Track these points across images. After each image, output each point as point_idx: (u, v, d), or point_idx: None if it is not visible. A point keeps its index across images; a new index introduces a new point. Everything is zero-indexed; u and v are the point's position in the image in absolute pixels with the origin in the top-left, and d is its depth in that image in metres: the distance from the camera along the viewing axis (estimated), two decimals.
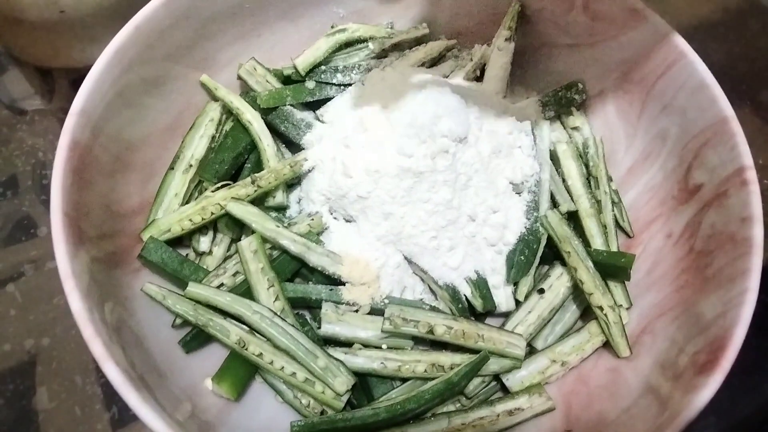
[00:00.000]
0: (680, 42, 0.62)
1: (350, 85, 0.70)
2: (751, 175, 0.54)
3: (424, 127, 0.59)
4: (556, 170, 0.69)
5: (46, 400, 0.66)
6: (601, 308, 0.60)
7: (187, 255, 0.65)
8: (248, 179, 0.64)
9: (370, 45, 0.72)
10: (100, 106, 0.57)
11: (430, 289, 0.64)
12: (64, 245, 0.49)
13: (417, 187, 0.60)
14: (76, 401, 0.66)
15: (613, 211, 0.66)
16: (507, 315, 0.64)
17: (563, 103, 0.72)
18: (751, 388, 0.70)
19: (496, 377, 0.60)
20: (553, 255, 0.65)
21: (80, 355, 0.68)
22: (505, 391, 0.60)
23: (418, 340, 0.61)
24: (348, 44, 0.73)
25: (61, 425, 0.65)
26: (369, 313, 0.61)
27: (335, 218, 0.65)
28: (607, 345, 0.61)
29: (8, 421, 0.64)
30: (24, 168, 0.79)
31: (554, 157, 0.69)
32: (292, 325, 0.58)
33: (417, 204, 0.60)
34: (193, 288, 0.58)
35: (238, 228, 0.64)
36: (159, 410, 0.45)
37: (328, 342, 0.60)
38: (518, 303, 0.63)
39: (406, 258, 0.62)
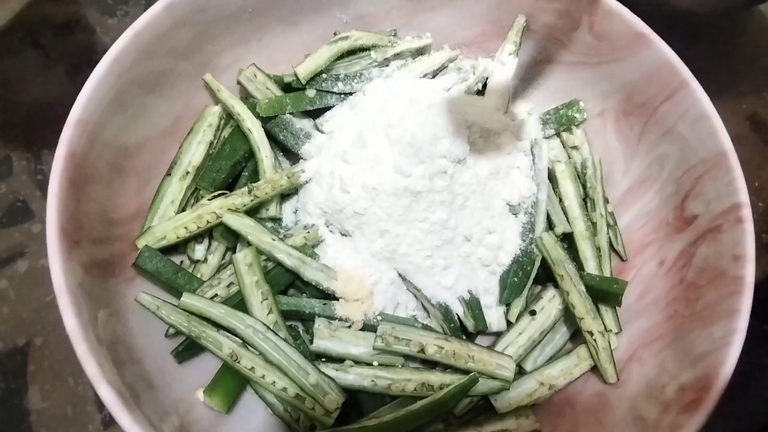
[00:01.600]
0: (684, 70, 0.62)
1: (351, 94, 0.70)
2: (746, 213, 0.55)
3: (423, 148, 0.59)
4: (554, 190, 0.69)
5: (38, 399, 0.66)
6: (591, 333, 0.61)
7: (181, 262, 0.65)
8: (245, 189, 0.63)
9: (373, 54, 0.72)
10: (96, 113, 0.56)
11: (423, 306, 0.64)
12: (60, 262, 0.49)
13: (414, 206, 0.60)
14: (68, 401, 0.66)
15: (608, 234, 0.67)
16: (498, 334, 0.64)
17: (564, 121, 0.71)
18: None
19: (485, 396, 0.61)
20: (546, 276, 0.66)
21: (73, 356, 0.66)
22: (493, 408, 0.61)
23: (409, 357, 0.61)
24: (350, 52, 0.72)
25: (52, 425, 0.65)
26: (361, 329, 0.61)
27: (331, 231, 0.65)
28: (595, 369, 0.62)
29: (0, 419, 0.65)
30: None
31: (552, 177, 0.69)
32: (285, 340, 0.58)
33: (413, 223, 0.61)
34: (187, 299, 0.59)
35: (234, 237, 0.64)
36: (149, 430, 0.46)
37: (319, 356, 0.61)
38: (509, 323, 0.64)
39: (400, 275, 0.63)
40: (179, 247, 0.65)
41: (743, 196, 0.55)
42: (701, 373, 0.51)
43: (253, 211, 0.64)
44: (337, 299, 0.62)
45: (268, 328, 0.58)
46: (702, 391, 0.49)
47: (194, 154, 0.66)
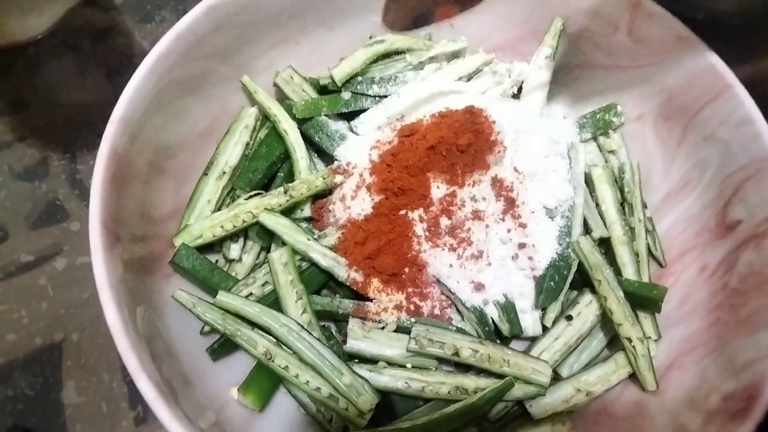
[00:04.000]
0: (727, 73, 0.60)
1: (386, 96, 0.70)
2: None
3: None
4: (591, 194, 0.68)
5: (73, 394, 0.67)
6: (629, 339, 0.59)
7: (216, 261, 0.65)
8: (281, 189, 0.64)
9: (408, 57, 0.72)
10: (138, 112, 0.57)
11: (457, 309, 0.64)
12: (102, 257, 0.49)
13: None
14: (102, 397, 0.67)
15: (646, 239, 0.65)
16: (533, 339, 0.63)
17: (601, 125, 0.71)
18: None
19: (520, 401, 0.60)
20: (583, 281, 0.65)
21: (108, 353, 0.69)
22: (527, 414, 0.60)
23: (442, 360, 0.61)
24: (385, 55, 0.72)
25: (87, 420, 0.66)
26: (395, 331, 0.61)
27: None
28: (634, 376, 0.60)
29: (37, 413, 0.66)
30: None
31: (589, 181, 0.68)
32: (319, 340, 0.58)
33: None
34: (222, 297, 0.59)
35: (269, 236, 0.65)
36: (187, 424, 0.46)
37: (352, 357, 0.60)
38: (545, 328, 0.63)
39: (434, 277, 0.62)
40: (215, 246, 0.65)
41: None
42: (747, 383, 0.49)
43: (288, 212, 0.65)
44: (371, 300, 0.61)
45: (303, 327, 0.58)
46: (749, 401, 0.48)
47: (231, 154, 0.66)
